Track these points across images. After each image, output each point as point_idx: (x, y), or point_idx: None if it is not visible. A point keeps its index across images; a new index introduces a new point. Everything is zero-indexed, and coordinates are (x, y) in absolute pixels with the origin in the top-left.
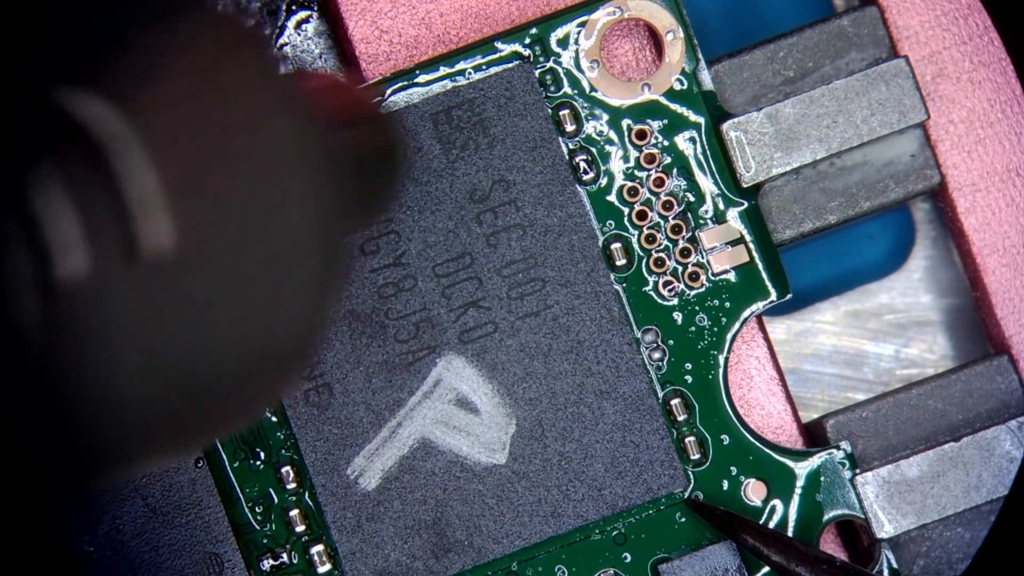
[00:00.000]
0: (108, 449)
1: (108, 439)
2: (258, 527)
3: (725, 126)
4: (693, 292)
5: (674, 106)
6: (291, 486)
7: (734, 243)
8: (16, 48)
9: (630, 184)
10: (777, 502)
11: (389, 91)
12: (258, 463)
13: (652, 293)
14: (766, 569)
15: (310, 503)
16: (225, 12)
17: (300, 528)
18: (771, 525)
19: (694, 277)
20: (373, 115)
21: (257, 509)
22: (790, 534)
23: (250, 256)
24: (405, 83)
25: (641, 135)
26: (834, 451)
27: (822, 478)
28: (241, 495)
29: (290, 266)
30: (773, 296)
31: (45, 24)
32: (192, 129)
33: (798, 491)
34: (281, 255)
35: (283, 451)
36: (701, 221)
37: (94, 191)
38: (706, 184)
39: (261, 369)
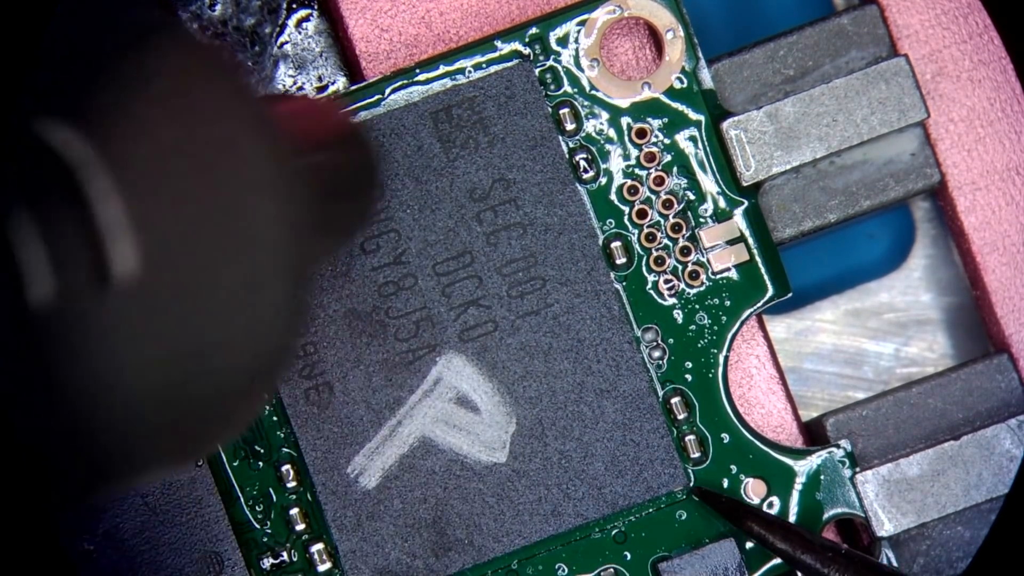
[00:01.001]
0: (110, 459)
1: (108, 448)
2: (258, 526)
3: (725, 125)
4: (693, 291)
5: (674, 105)
6: (291, 485)
7: (734, 242)
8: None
9: (630, 183)
10: (777, 500)
11: (389, 89)
12: (258, 462)
13: (652, 292)
14: (765, 568)
15: (310, 501)
16: (197, 37)
17: (300, 527)
18: None
19: (694, 276)
20: (347, 136)
21: (257, 507)
22: None
23: (217, 279)
24: (405, 81)
25: (641, 134)
26: (834, 450)
27: (822, 477)
28: (241, 493)
29: (258, 288)
30: (773, 294)
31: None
32: (161, 154)
33: (798, 489)
34: (249, 277)
35: (283, 449)
36: (701, 220)
37: (63, 217)
38: (706, 183)
39: (229, 391)
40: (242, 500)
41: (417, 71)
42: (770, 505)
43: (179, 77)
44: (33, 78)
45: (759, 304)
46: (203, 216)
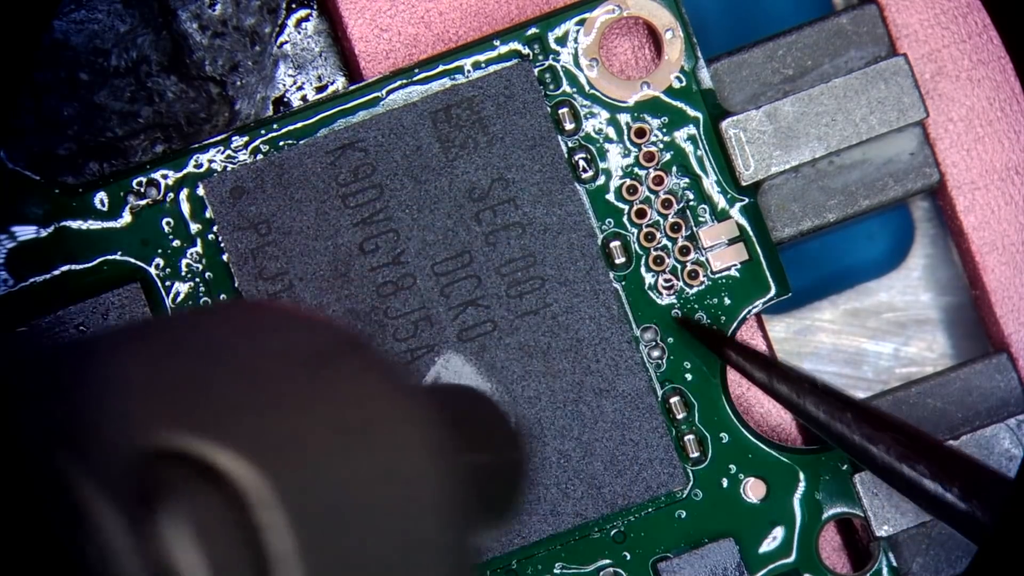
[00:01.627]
0: None
1: None
2: None
3: (724, 124)
4: (692, 290)
5: (673, 104)
6: None
7: (733, 241)
8: None
9: (629, 182)
10: (776, 500)
11: (388, 89)
12: None
13: (651, 291)
14: (766, 570)
15: None
16: (372, 358)
17: None
18: (770, 523)
19: (693, 275)
20: (503, 437)
21: None
22: (789, 532)
23: None
24: (404, 81)
25: (640, 133)
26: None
27: (821, 476)
28: None
29: None
30: (772, 294)
31: None
32: (332, 483)
33: (797, 489)
34: None
35: None
36: (700, 219)
37: (229, 543)
38: (705, 182)
39: None
40: None
41: (416, 71)
42: (771, 507)
43: (348, 401)
44: (202, 401)
45: (758, 304)
46: (376, 545)
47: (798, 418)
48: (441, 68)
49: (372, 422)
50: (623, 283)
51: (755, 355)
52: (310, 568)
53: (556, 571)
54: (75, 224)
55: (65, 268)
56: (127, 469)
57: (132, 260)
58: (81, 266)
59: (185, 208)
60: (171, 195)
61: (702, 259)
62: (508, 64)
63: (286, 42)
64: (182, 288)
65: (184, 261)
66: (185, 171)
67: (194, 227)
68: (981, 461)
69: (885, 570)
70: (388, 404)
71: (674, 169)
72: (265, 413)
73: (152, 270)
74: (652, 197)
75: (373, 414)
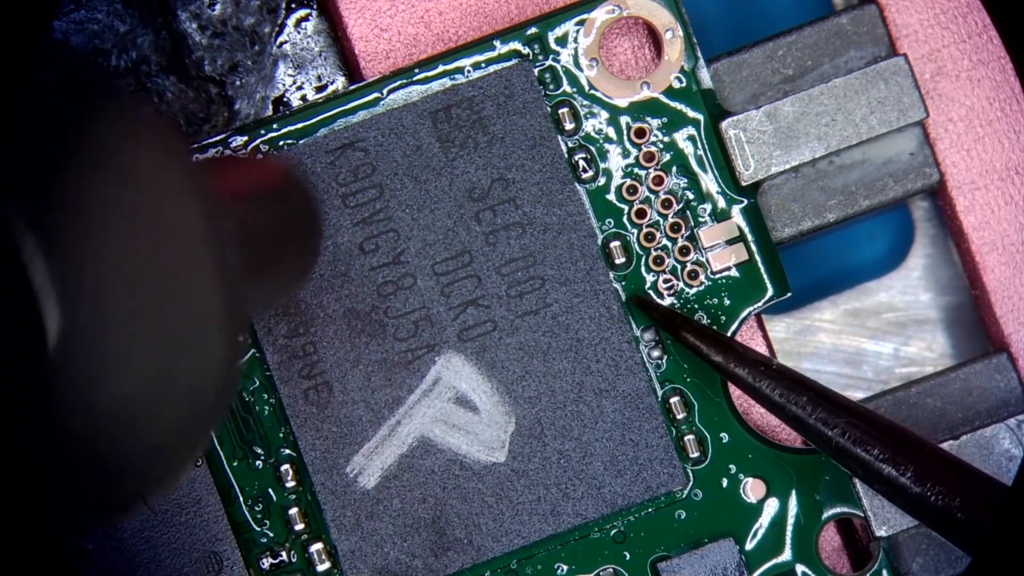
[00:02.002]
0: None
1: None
2: (257, 526)
3: (724, 124)
4: (692, 290)
5: (673, 104)
6: (290, 484)
7: (733, 241)
8: None
9: (629, 182)
10: (776, 500)
11: (388, 89)
12: (257, 461)
13: (651, 291)
14: (765, 568)
15: (309, 501)
16: (133, 99)
17: (299, 526)
18: (770, 522)
19: (693, 275)
20: (284, 188)
21: (256, 507)
22: (789, 532)
23: (152, 334)
24: (404, 81)
25: (640, 133)
26: None
27: (821, 476)
28: (240, 493)
29: (193, 341)
30: (772, 294)
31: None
32: (95, 219)
33: (797, 489)
34: (183, 330)
35: (282, 449)
36: (700, 219)
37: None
38: (705, 182)
39: (162, 446)
40: (241, 500)
41: (416, 71)
42: (770, 507)
43: (114, 144)
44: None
45: (758, 304)
46: (136, 275)
47: (755, 400)
48: (441, 68)
49: (134, 171)
50: (623, 283)
51: (712, 337)
52: (68, 309)
53: (556, 571)
54: None
55: None
56: None
57: None
58: None
59: None
60: None
61: (702, 259)
62: (508, 64)
63: (286, 42)
64: None
65: None
66: None
67: None
68: (937, 445)
69: (885, 570)
70: (149, 154)
71: (674, 169)
72: (38, 176)
73: None
74: (652, 197)
75: (135, 164)
